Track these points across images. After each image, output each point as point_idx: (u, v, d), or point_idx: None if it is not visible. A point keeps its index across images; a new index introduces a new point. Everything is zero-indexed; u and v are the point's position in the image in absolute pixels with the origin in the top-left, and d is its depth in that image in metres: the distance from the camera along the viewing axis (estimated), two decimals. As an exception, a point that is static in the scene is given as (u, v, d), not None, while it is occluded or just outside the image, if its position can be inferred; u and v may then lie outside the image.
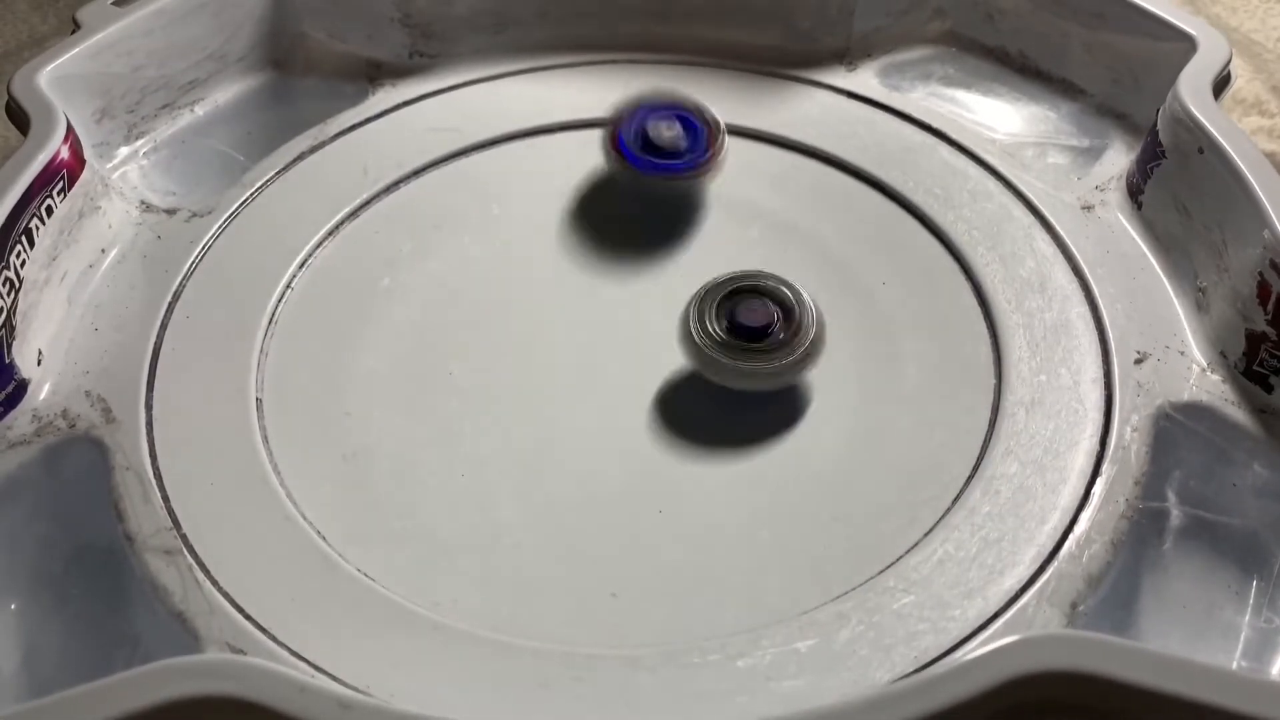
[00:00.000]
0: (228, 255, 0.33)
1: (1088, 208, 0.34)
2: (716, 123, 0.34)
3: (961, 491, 0.27)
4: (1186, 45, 0.34)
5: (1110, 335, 0.30)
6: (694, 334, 0.29)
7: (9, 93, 0.33)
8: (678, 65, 0.40)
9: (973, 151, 0.36)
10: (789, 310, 0.29)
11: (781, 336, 0.28)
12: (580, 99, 0.39)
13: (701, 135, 0.34)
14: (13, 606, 0.25)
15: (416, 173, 0.36)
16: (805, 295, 0.29)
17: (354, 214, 0.35)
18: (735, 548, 0.26)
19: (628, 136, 0.33)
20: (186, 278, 0.32)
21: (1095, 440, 0.28)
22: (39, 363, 0.30)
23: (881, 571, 0.25)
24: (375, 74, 0.40)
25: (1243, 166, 0.29)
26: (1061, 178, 0.35)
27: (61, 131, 0.32)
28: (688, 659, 0.24)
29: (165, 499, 0.27)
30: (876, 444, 0.28)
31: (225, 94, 0.39)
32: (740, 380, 0.28)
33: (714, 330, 0.28)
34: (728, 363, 0.28)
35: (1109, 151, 0.36)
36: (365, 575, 0.26)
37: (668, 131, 0.33)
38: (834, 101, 0.38)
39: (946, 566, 0.25)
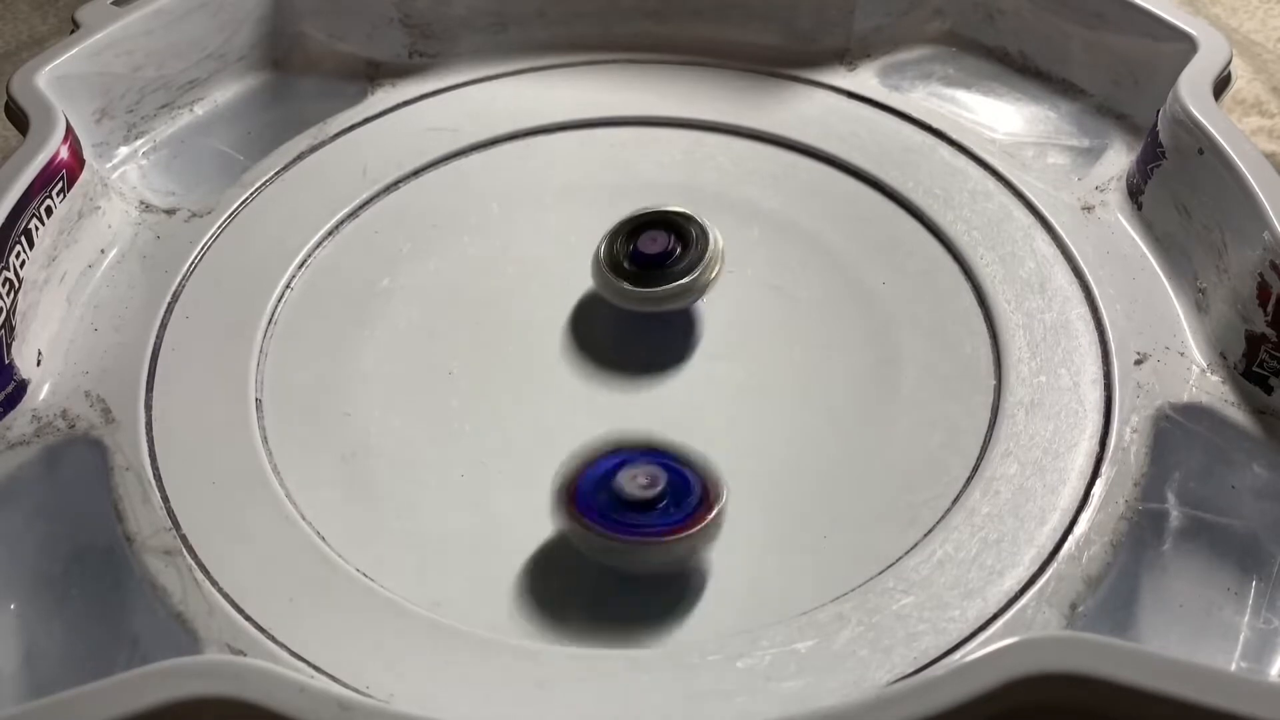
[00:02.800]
0: (227, 255, 0.33)
1: (1088, 208, 0.34)
2: (715, 480, 0.25)
3: (961, 492, 0.27)
4: (1187, 46, 0.34)
5: (1110, 336, 0.30)
6: (600, 261, 0.31)
7: (8, 93, 0.33)
8: (677, 65, 0.40)
9: (973, 151, 0.36)
10: (687, 241, 0.30)
11: (680, 265, 0.30)
12: (580, 99, 0.39)
13: (694, 488, 0.25)
14: (12, 607, 0.25)
15: (416, 173, 0.36)
16: (709, 229, 0.30)
17: (354, 214, 0.35)
18: (734, 548, 0.26)
19: (588, 489, 0.25)
20: (186, 278, 0.32)
21: (1095, 441, 0.28)
22: (38, 363, 0.30)
23: (881, 572, 0.25)
24: (375, 74, 0.40)
25: (1243, 167, 0.29)
26: (1061, 178, 0.35)
27: (61, 132, 0.32)
28: (688, 659, 0.24)
29: (165, 499, 0.27)
30: (876, 444, 0.28)
31: (225, 94, 0.39)
32: (637, 303, 0.30)
33: (619, 258, 0.31)
34: (626, 288, 0.30)
35: (1109, 152, 0.36)
36: (365, 575, 0.26)
37: (639, 483, 0.25)
38: (834, 101, 0.38)
39: (946, 567, 0.25)
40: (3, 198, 0.29)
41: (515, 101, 0.39)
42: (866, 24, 0.40)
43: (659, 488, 0.24)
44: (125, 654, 0.24)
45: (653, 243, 0.30)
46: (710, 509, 0.24)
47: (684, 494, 0.25)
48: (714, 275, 0.30)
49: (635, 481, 0.24)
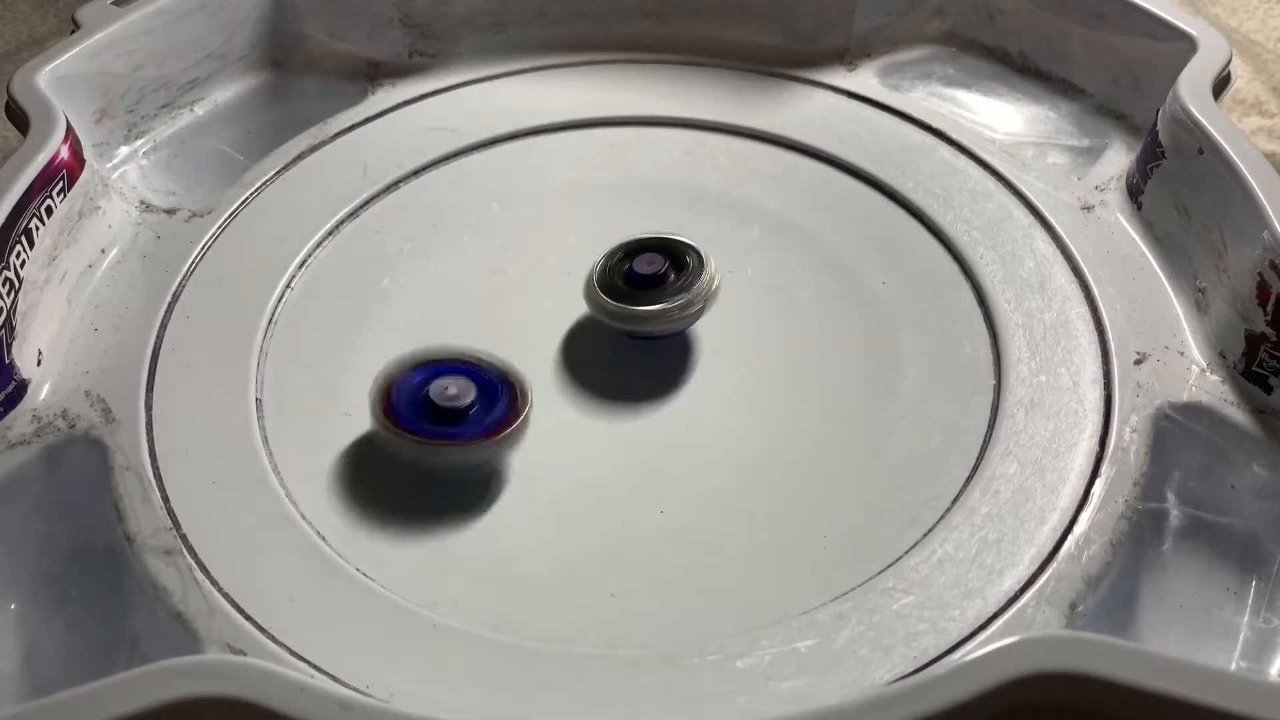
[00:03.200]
0: (228, 255, 0.33)
1: (1088, 208, 0.34)
2: (520, 383, 0.28)
3: (961, 492, 0.27)
4: (1186, 46, 0.34)
5: (1110, 336, 0.30)
6: (593, 283, 0.30)
7: (9, 93, 0.33)
8: (677, 65, 0.40)
9: (973, 151, 0.36)
10: (681, 264, 0.30)
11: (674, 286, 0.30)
12: (580, 99, 0.39)
13: (501, 395, 0.27)
14: (13, 606, 0.25)
15: (416, 173, 0.36)
16: (704, 254, 0.30)
17: (354, 214, 0.35)
18: (735, 548, 0.26)
19: (401, 398, 0.27)
20: (186, 278, 0.32)
21: (1095, 441, 0.28)
22: (39, 363, 0.30)
23: (881, 572, 0.25)
24: (375, 74, 0.40)
25: (1242, 167, 0.29)
26: (1061, 178, 0.35)
27: (61, 132, 0.32)
28: (688, 659, 0.24)
29: (165, 499, 0.27)
30: (876, 444, 0.28)
31: (225, 94, 0.39)
32: (632, 324, 0.30)
33: (613, 280, 0.30)
34: (614, 307, 0.29)
35: (1109, 151, 0.36)
36: (365, 575, 0.26)
37: (449, 392, 0.27)
38: (834, 101, 0.38)
39: (946, 567, 0.25)
40: (3, 197, 0.29)
41: (515, 101, 0.39)
42: (866, 24, 0.40)
43: (470, 398, 0.27)
44: (125, 654, 0.24)
45: (649, 264, 0.30)
46: (516, 416, 0.27)
47: (493, 402, 0.27)
48: (699, 308, 0.30)
49: (446, 392, 0.27)
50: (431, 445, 0.27)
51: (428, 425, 0.27)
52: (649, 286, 0.30)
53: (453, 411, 0.27)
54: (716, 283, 0.30)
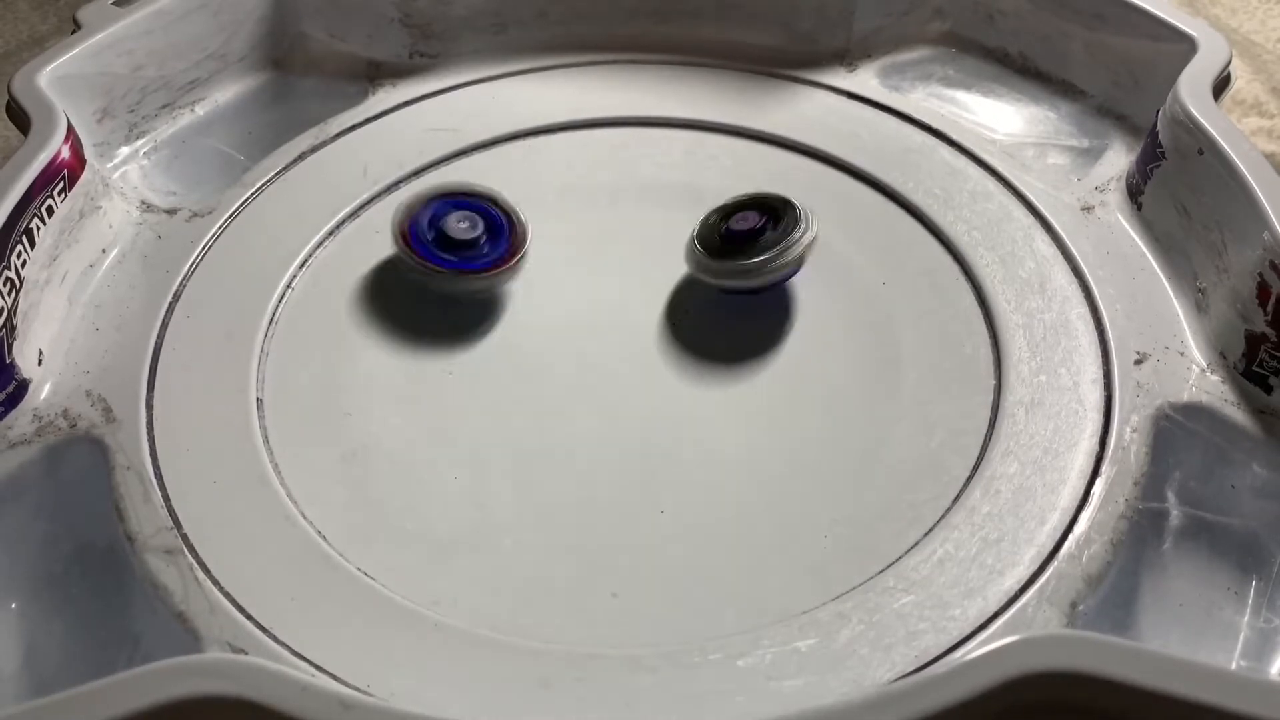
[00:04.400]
0: (228, 255, 0.33)
1: (1088, 208, 0.34)
2: (520, 221, 0.32)
3: (961, 491, 0.27)
4: (1186, 46, 0.34)
5: (1110, 336, 0.30)
6: (694, 244, 0.31)
7: (9, 93, 0.33)
8: (677, 65, 0.40)
9: (973, 152, 0.36)
10: (778, 217, 0.31)
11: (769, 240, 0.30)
12: (580, 99, 0.39)
13: (504, 231, 0.32)
14: (14, 606, 0.25)
15: (416, 173, 0.36)
16: (800, 208, 0.31)
17: (354, 214, 0.35)
18: (735, 548, 0.26)
19: (420, 229, 0.31)
20: (187, 278, 0.32)
21: (1095, 441, 0.28)
22: (40, 363, 0.30)
23: (882, 571, 0.25)
24: (375, 74, 0.40)
25: (1242, 167, 0.29)
26: (1061, 178, 0.35)
27: (62, 131, 0.32)
28: (688, 659, 0.24)
29: (166, 499, 0.27)
30: (876, 444, 0.28)
31: (225, 94, 0.39)
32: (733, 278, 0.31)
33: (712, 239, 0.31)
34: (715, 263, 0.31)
35: (1109, 152, 0.36)
36: (365, 575, 0.26)
37: (461, 225, 0.31)
38: (834, 102, 0.38)
39: (946, 566, 0.25)
40: (4, 197, 0.29)
41: (515, 101, 0.39)
42: (866, 25, 0.40)
43: (478, 230, 0.31)
44: (126, 653, 0.25)
45: (743, 221, 0.31)
46: (516, 252, 0.31)
47: (499, 235, 0.32)
48: (795, 255, 0.30)
49: (459, 224, 0.31)
50: (443, 274, 0.31)
51: (442, 254, 0.31)
52: (749, 241, 0.30)
53: (464, 243, 0.31)
54: (813, 234, 0.30)
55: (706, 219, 0.32)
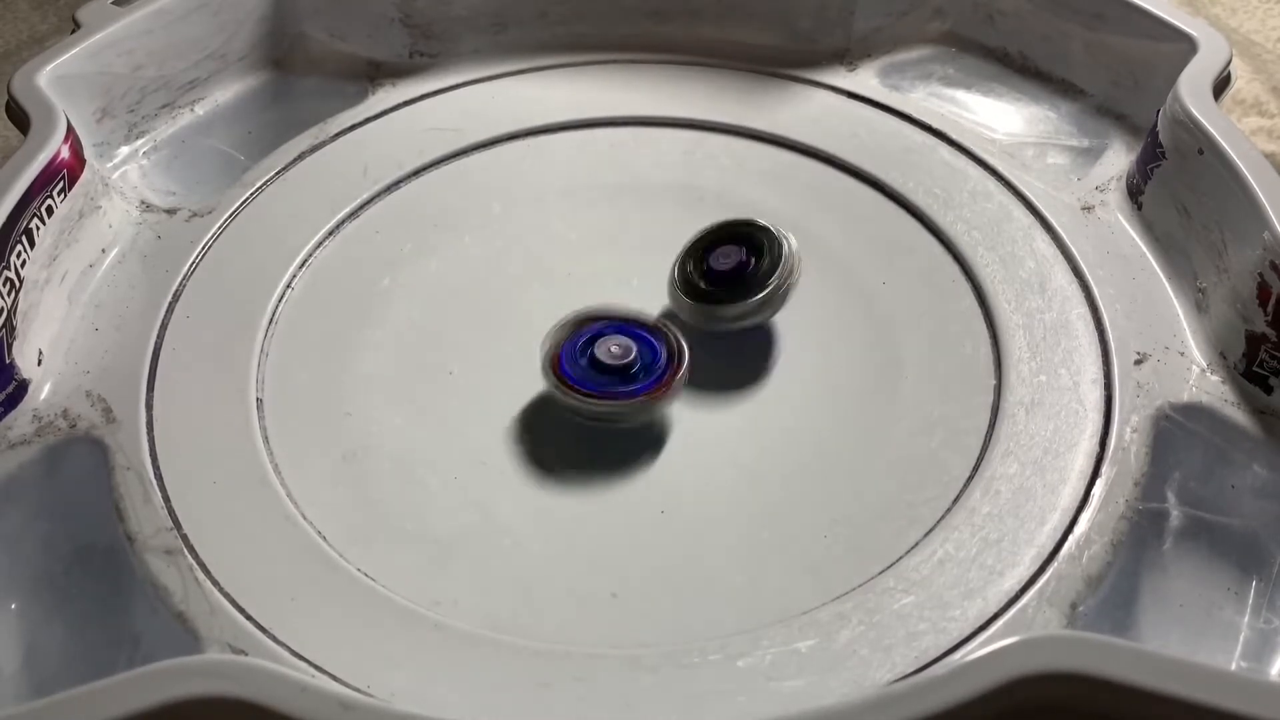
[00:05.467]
0: (228, 255, 0.33)
1: (1088, 208, 0.34)
2: (679, 343, 0.29)
3: (961, 492, 0.27)
4: (1186, 46, 0.34)
5: (1110, 336, 0.30)
6: (675, 283, 0.31)
7: (9, 92, 0.33)
8: (677, 65, 0.40)
9: (973, 152, 0.36)
10: (756, 245, 0.30)
11: (755, 277, 0.30)
12: (580, 99, 0.39)
13: (660, 354, 0.29)
14: (13, 606, 0.25)
15: (416, 173, 0.36)
16: (780, 238, 0.30)
17: (354, 214, 0.35)
18: (735, 548, 0.26)
19: (570, 354, 0.29)
20: (186, 278, 0.32)
21: (1095, 441, 0.28)
22: (39, 363, 0.30)
23: (882, 572, 0.25)
24: (375, 74, 0.40)
25: (1242, 167, 0.29)
26: (1061, 178, 0.35)
27: (62, 131, 0.32)
28: (688, 659, 0.24)
29: (166, 499, 0.27)
30: (876, 444, 0.28)
31: (225, 94, 0.39)
32: (716, 323, 0.30)
33: (692, 278, 0.30)
34: (702, 308, 0.30)
35: (1109, 152, 0.36)
36: (365, 575, 0.26)
37: (617, 349, 0.28)
38: (834, 101, 0.38)
39: (946, 567, 0.25)
40: (4, 197, 0.29)
41: (515, 101, 0.39)
42: (866, 24, 0.40)
43: (630, 356, 0.28)
44: (126, 654, 0.25)
45: (725, 259, 0.30)
46: (676, 373, 0.28)
47: (653, 361, 0.28)
48: (782, 289, 0.30)
49: (610, 351, 0.28)
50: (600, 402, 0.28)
51: (596, 381, 0.28)
52: (731, 281, 0.30)
53: (618, 368, 0.28)
54: (797, 250, 0.30)
55: (681, 263, 0.31)
